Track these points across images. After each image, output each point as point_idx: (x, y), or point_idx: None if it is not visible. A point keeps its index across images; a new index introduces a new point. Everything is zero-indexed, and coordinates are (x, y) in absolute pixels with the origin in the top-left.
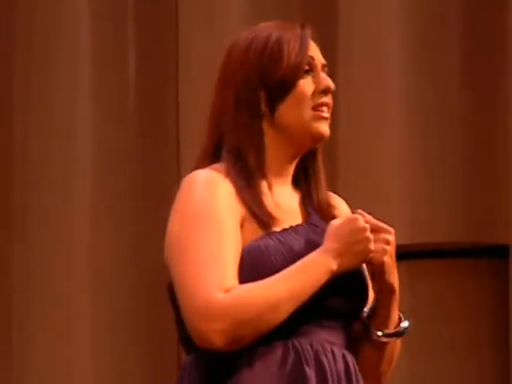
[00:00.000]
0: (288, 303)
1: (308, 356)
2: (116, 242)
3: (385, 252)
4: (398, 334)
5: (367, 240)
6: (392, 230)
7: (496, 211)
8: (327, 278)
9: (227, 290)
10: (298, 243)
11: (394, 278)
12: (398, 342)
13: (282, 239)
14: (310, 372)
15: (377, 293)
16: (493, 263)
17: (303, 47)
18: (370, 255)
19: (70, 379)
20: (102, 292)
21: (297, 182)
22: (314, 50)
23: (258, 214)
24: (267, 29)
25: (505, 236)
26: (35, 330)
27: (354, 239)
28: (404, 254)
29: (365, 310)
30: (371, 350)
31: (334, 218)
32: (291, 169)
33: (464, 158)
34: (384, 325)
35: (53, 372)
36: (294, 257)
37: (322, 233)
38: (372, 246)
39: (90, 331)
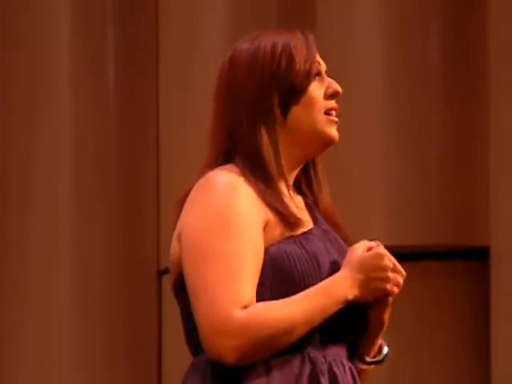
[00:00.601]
0: (303, 327)
1: (323, 367)
2: (96, 248)
3: (393, 293)
4: (378, 361)
5: (387, 280)
6: (404, 272)
7: (476, 213)
8: (343, 305)
9: (245, 307)
10: (319, 249)
11: (388, 315)
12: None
13: (305, 244)
14: (325, 382)
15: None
16: (473, 265)
17: (311, 52)
18: (384, 295)
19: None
20: (82, 294)
21: (298, 188)
22: (317, 56)
23: (284, 214)
24: (270, 36)
25: (485, 238)
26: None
27: (377, 276)
28: None
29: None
30: None
31: (340, 223)
32: (295, 174)
33: (444, 160)
34: (366, 353)
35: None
36: (317, 263)
37: (332, 239)
38: (389, 287)
39: (70, 333)
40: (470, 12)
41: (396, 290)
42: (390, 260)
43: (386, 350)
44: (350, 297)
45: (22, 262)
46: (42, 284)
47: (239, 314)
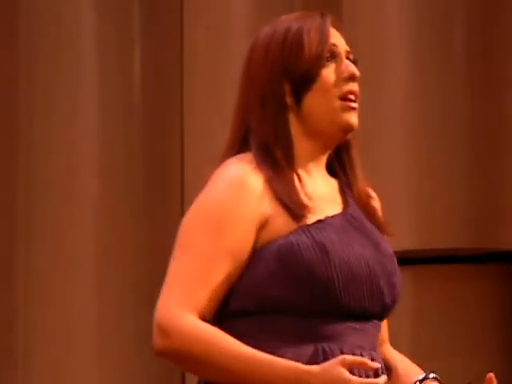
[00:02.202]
0: (229, 379)
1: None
2: (119, 246)
3: None
4: None
5: None
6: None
7: (502, 216)
8: None
9: (201, 316)
10: (330, 239)
11: None
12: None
13: (315, 235)
14: None
15: None
16: (499, 268)
17: (324, 36)
18: None
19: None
20: (107, 297)
21: (333, 172)
22: (337, 37)
23: (289, 205)
24: (286, 22)
25: (511, 241)
26: (39, 337)
27: None
28: (409, 260)
29: None
30: None
31: (373, 209)
32: (323, 159)
33: (470, 163)
34: None
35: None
36: (325, 254)
37: (358, 226)
38: None
39: (96, 336)
40: (497, 3)
41: None
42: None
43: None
44: None
45: (47, 252)
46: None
47: (186, 318)
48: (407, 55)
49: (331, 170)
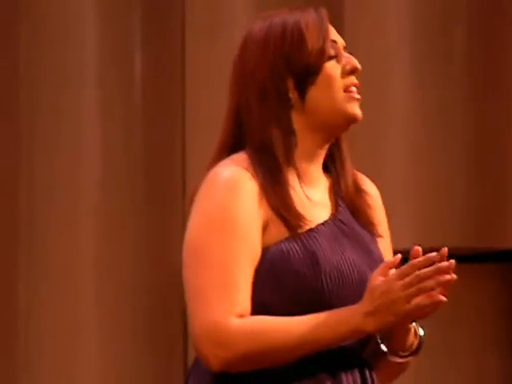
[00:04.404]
0: (302, 351)
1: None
2: (121, 249)
3: (424, 309)
4: (414, 352)
5: (401, 299)
6: (442, 265)
7: (502, 215)
8: (357, 336)
9: (240, 316)
10: (321, 247)
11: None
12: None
13: (305, 242)
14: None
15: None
16: (498, 268)
17: (323, 29)
18: (410, 314)
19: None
20: (108, 298)
21: (326, 168)
22: (334, 32)
23: (285, 216)
24: (281, 15)
25: (510, 240)
26: (41, 334)
27: (387, 299)
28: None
29: (379, 340)
30: (385, 366)
31: (364, 205)
32: (322, 153)
33: (470, 162)
34: (400, 347)
35: (60, 376)
36: (316, 262)
37: (349, 232)
38: (408, 306)
39: (97, 331)
40: (496, 7)
41: (423, 302)
42: (404, 274)
43: (421, 331)
44: (367, 328)
45: (48, 256)
46: (67, 275)
47: (234, 323)
48: (408, 55)
49: (325, 165)
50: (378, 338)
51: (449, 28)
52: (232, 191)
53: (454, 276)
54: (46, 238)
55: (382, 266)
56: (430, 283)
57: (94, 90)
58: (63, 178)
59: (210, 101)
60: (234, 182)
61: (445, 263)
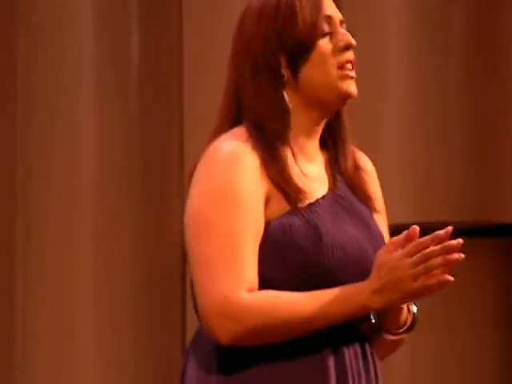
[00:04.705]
0: (310, 327)
1: (329, 357)
2: (118, 243)
3: (431, 287)
4: (408, 329)
5: (408, 277)
6: (448, 244)
7: (500, 190)
8: (364, 313)
9: (250, 290)
10: (323, 221)
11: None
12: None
13: (307, 217)
14: (332, 373)
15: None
16: (497, 242)
17: (317, 4)
18: (417, 292)
19: (73, 377)
20: (105, 292)
21: (324, 143)
22: (330, 7)
23: (285, 189)
24: None
25: (509, 214)
26: (38, 333)
27: (395, 277)
28: None
29: (372, 317)
30: (380, 343)
31: (362, 182)
32: (319, 129)
33: (466, 136)
34: (394, 324)
35: (56, 376)
36: (318, 236)
37: (348, 207)
38: (417, 285)
39: (94, 331)
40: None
41: (429, 284)
42: (412, 252)
43: (414, 308)
44: (374, 304)
45: (46, 242)
46: (64, 273)
47: (244, 296)
48: (406, 46)
49: (322, 140)
50: (372, 315)
51: (447, 19)
52: (234, 165)
53: (462, 255)
54: (43, 234)
55: (388, 242)
56: (437, 261)
57: (92, 87)
58: (61, 170)
59: (208, 94)
60: (236, 155)
61: (453, 241)
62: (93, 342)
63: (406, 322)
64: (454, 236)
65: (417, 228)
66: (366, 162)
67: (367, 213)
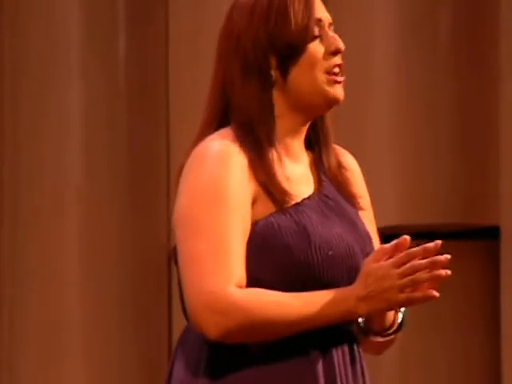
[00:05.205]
0: (297, 328)
1: (318, 360)
2: (105, 239)
3: (412, 302)
4: (396, 331)
5: (394, 288)
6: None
7: (486, 192)
8: (350, 318)
9: (238, 286)
10: (310, 221)
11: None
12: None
13: (295, 216)
14: (320, 373)
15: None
16: (484, 244)
17: (309, 6)
18: (401, 303)
19: (60, 376)
20: (92, 293)
21: (309, 143)
22: (320, 9)
23: (272, 191)
24: None
25: (495, 217)
26: (25, 333)
27: (381, 286)
28: (395, 236)
29: (360, 319)
30: (369, 344)
31: (346, 181)
32: (304, 130)
33: (454, 139)
34: (381, 327)
35: (43, 374)
36: (306, 235)
37: (334, 206)
38: (401, 296)
39: (81, 332)
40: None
41: (414, 297)
42: (399, 263)
43: (400, 316)
44: (359, 311)
45: (33, 241)
46: (52, 266)
47: (232, 292)
48: (394, 38)
49: (307, 140)
50: (361, 325)
51: (434, 10)
52: (222, 164)
53: (449, 272)
54: (30, 234)
55: (377, 250)
56: (424, 276)
57: (78, 80)
58: (48, 167)
59: (194, 95)
60: (224, 154)
61: (441, 257)
62: (79, 343)
63: (393, 324)
64: (439, 237)
65: (407, 238)
66: (349, 160)
67: (353, 212)
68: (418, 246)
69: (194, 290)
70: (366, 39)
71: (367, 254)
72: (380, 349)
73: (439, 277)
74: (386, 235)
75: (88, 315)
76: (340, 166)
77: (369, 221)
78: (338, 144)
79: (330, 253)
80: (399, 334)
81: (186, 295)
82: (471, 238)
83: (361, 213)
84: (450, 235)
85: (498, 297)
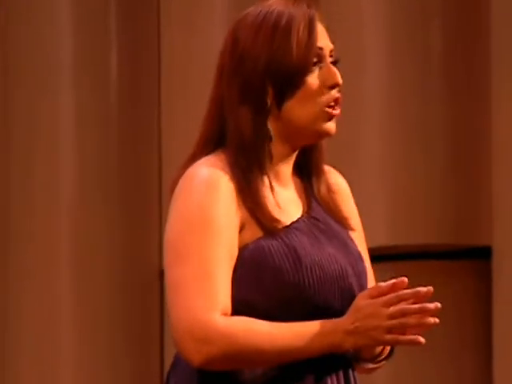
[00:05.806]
0: (283, 358)
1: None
2: (97, 249)
3: (396, 343)
4: (387, 357)
5: (382, 328)
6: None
7: (478, 212)
8: (336, 350)
9: (223, 313)
10: (300, 242)
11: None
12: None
13: (285, 239)
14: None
15: None
16: (475, 264)
17: (311, 35)
18: (387, 343)
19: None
20: (84, 312)
21: (298, 168)
22: (322, 37)
23: (260, 218)
24: (274, 14)
25: (487, 237)
26: (19, 337)
27: (369, 324)
28: (387, 256)
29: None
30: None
31: (336, 203)
32: (294, 156)
33: (446, 159)
34: (370, 355)
35: (37, 376)
36: (297, 257)
37: (325, 228)
38: (388, 337)
39: (73, 337)
40: (473, 1)
41: (404, 339)
42: (386, 305)
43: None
44: (343, 344)
45: (25, 258)
46: (44, 281)
47: (216, 319)
48: (385, 50)
49: (297, 166)
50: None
51: (426, 19)
52: (210, 190)
53: (437, 320)
54: (22, 239)
55: (373, 288)
56: (412, 321)
57: (70, 90)
58: (40, 178)
59: (186, 104)
60: (212, 181)
61: (431, 305)
62: (71, 369)
63: (383, 352)
64: (431, 257)
65: (405, 280)
66: (338, 180)
67: (344, 232)
68: (410, 266)
69: (178, 316)
70: (357, 54)
71: (359, 274)
72: (371, 370)
73: (427, 325)
74: (378, 255)
75: (79, 339)
76: (330, 190)
77: (360, 241)
78: (330, 164)
79: (321, 274)
80: (388, 360)
81: (171, 322)
82: (463, 258)
83: (351, 233)
84: (442, 255)
85: (490, 317)
